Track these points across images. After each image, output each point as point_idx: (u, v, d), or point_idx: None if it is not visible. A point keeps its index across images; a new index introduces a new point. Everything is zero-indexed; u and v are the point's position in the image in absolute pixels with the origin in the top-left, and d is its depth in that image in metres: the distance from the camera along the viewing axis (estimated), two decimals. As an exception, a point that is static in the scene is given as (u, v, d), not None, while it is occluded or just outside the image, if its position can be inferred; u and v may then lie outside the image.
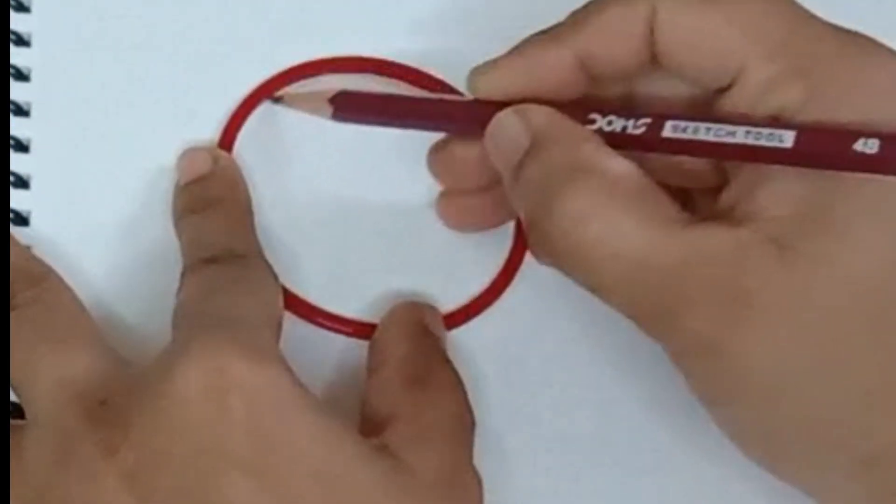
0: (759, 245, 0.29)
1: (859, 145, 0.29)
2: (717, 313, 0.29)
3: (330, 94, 0.36)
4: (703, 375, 0.31)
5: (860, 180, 0.29)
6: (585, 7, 0.33)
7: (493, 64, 0.33)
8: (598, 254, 0.30)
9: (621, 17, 0.32)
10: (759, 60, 0.30)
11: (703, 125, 0.31)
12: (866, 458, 0.30)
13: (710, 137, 0.31)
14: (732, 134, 0.30)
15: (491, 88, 0.33)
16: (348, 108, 0.36)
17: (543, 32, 0.33)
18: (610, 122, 0.32)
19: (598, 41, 0.32)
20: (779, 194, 0.30)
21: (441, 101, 0.36)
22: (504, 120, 0.32)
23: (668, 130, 0.31)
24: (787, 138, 0.30)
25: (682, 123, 0.31)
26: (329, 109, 0.36)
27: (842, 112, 0.30)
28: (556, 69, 0.32)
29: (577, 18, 0.32)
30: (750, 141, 0.30)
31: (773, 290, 0.29)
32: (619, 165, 0.31)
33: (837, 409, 0.30)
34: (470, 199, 0.37)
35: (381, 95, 0.36)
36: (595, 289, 0.31)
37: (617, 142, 0.31)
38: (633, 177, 0.30)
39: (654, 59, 0.32)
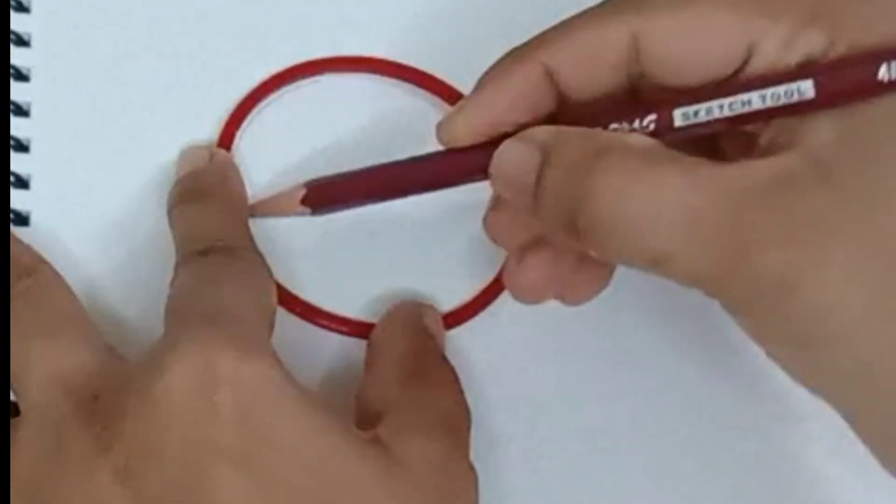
0: (808, 168, 0.28)
1: (883, 72, 0.28)
2: (785, 244, 0.28)
3: (300, 194, 0.35)
4: (775, 319, 0.29)
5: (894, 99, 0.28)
6: (556, 28, 0.32)
7: (457, 109, 0.33)
8: (650, 222, 0.28)
9: (597, 41, 0.31)
10: (768, 28, 0.30)
11: (715, 104, 0.30)
12: None
13: (727, 113, 0.30)
14: (748, 103, 0.29)
15: (462, 134, 0.33)
16: (325, 199, 0.35)
17: (508, 54, 0.32)
18: (615, 130, 0.31)
19: (569, 62, 0.31)
20: (816, 123, 0.29)
21: (418, 162, 0.34)
22: (507, 149, 0.32)
23: (679, 119, 0.30)
24: (807, 88, 0.29)
25: (692, 108, 0.30)
26: (305, 209, 0.35)
27: (868, 39, 0.29)
28: (525, 87, 0.32)
29: (547, 37, 0.32)
30: (770, 104, 0.29)
31: (832, 214, 0.28)
32: (640, 139, 0.30)
33: None
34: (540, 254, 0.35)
35: (353, 175, 0.35)
36: (657, 260, 0.29)
37: None
38: (657, 144, 0.30)
39: (631, 80, 0.32)
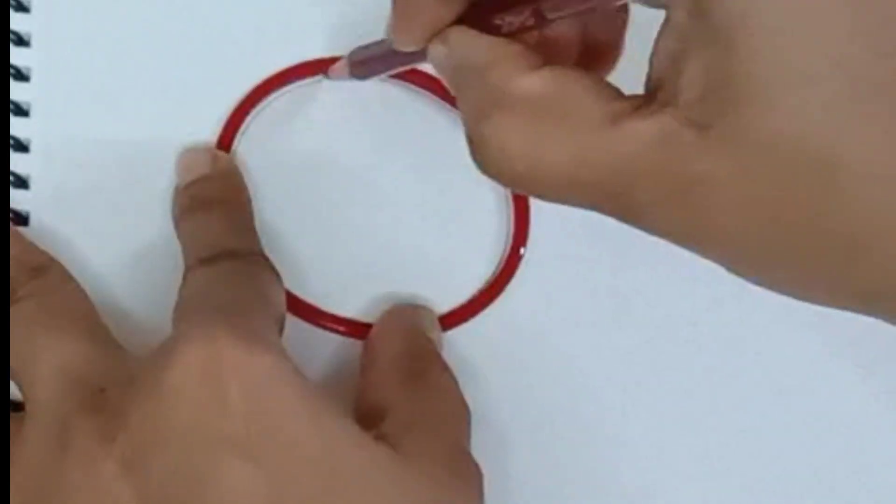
0: (682, 130, 0.27)
1: None
2: (670, 209, 0.27)
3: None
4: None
5: (757, 45, 0.26)
6: None
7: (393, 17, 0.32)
8: (539, 177, 0.28)
9: None
10: None
11: None
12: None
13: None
14: None
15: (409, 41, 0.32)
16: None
17: None
18: (510, 23, 0.30)
19: None
20: (687, 75, 0.27)
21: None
22: (433, 52, 0.31)
23: (550, 13, 0.29)
24: None
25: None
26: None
27: None
28: None
29: None
30: None
31: (709, 173, 0.26)
32: (531, 83, 0.29)
33: None
34: None
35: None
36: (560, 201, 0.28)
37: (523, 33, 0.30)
38: (547, 89, 0.28)
39: None
